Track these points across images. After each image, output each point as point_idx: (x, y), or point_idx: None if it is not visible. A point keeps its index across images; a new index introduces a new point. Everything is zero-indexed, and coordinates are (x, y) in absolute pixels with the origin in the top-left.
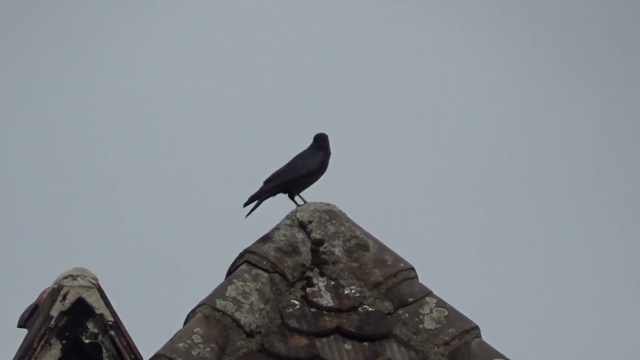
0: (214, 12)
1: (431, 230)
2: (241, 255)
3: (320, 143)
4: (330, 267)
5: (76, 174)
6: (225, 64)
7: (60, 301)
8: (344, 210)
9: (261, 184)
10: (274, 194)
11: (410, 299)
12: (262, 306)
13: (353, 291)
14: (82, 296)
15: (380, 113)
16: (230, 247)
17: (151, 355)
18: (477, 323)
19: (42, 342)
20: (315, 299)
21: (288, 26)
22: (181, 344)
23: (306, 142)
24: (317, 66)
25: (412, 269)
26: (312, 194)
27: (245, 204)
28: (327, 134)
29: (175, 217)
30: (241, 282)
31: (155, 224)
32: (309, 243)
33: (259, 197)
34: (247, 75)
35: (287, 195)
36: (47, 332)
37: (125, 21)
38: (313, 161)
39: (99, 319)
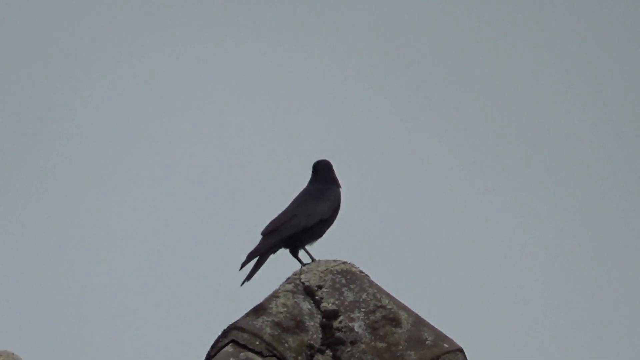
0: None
1: (484, 298)
2: (225, 333)
3: (324, 173)
4: (349, 349)
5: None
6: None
7: None
8: (365, 271)
9: (259, 237)
10: (275, 251)
11: None
12: None
13: None
14: None
15: (409, 144)
16: (211, 321)
17: None
18: None
19: None
20: None
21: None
22: None
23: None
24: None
25: (461, 350)
26: (321, 248)
27: (243, 265)
28: (329, 160)
29: (136, 278)
30: None
31: (110, 287)
32: (319, 316)
33: (259, 254)
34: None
35: (288, 250)
36: None
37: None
38: (327, 201)
39: None
